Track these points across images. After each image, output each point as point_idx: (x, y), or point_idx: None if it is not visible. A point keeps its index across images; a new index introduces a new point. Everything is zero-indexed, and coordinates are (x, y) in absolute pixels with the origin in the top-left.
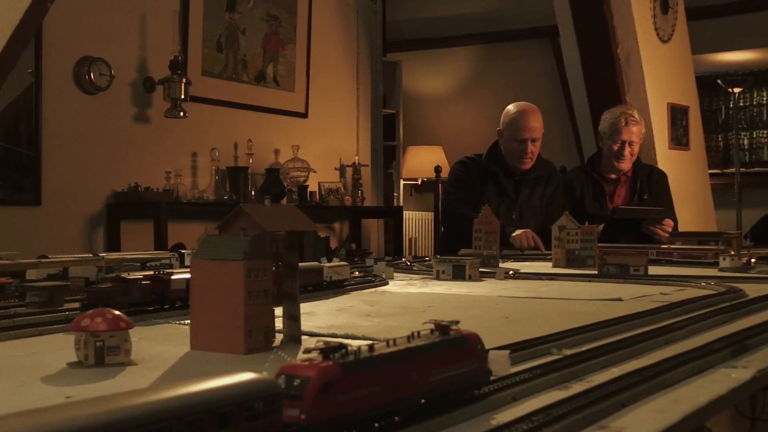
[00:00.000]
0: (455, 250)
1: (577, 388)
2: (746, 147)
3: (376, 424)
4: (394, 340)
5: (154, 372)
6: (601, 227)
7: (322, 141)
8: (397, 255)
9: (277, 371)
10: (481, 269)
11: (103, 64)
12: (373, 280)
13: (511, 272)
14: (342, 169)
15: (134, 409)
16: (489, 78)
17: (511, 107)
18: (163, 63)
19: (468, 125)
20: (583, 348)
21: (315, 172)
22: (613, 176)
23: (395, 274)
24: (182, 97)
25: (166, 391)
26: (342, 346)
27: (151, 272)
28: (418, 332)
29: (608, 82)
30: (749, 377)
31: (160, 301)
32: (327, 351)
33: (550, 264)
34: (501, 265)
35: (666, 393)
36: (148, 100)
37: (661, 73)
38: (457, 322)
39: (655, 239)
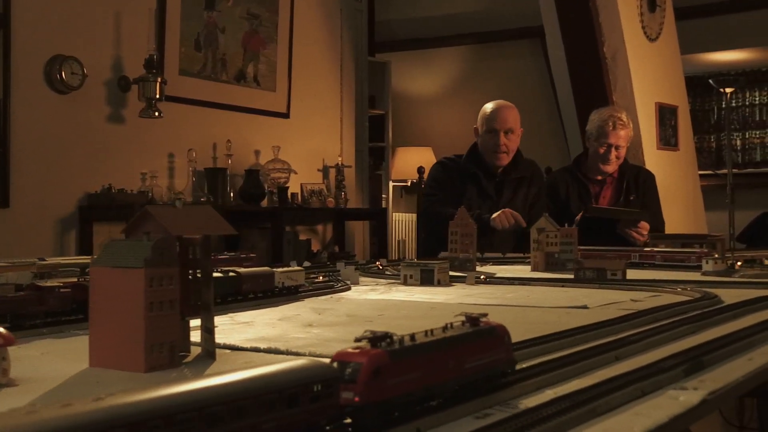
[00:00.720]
0: (437, 252)
1: (498, 415)
2: (739, 148)
3: (418, 408)
4: (432, 330)
5: (29, 396)
6: (574, 228)
7: (305, 142)
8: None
9: (332, 358)
10: (457, 273)
11: (75, 63)
12: (334, 286)
13: (482, 277)
14: (325, 171)
15: (221, 388)
16: (479, 78)
17: (486, 104)
18: (138, 62)
19: (458, 126)
20: (523, 365)
21: (296, 173)
22: (599, 177)
23: (363, 279)
24: (157, 96)
25: (246, 373)
26: (387, 335)
27: (74, 279)
28: (451, 324)
29: (594, 81)
30: (698, 401)
31: (83, 310)
32: (374, 340)
33: (529, 267)
34: (480, 268)
35: (596, 422)
36: (123, 100)
37: (648, 72)
38: (485, 315)
39: (630, 242)
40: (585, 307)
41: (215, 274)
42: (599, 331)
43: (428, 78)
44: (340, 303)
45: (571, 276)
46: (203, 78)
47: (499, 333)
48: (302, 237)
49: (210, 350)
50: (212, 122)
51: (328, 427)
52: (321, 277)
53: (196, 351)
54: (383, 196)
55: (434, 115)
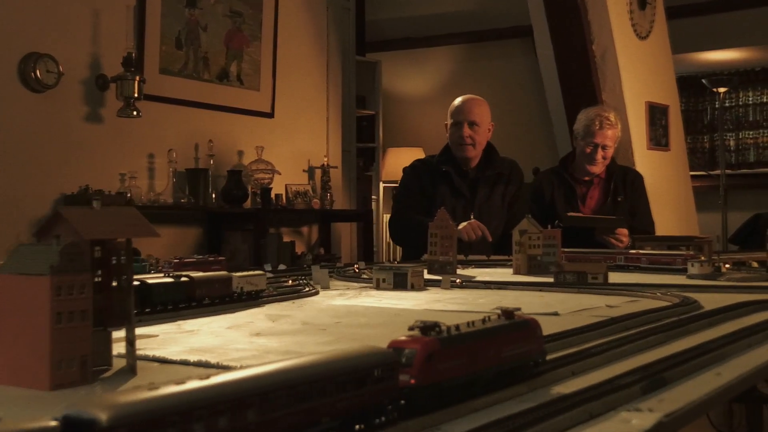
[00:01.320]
0: (417, 256)
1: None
2: (732, 148)
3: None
4: (473, 322)
5: None
6: (557, 230)
7: (290, 142)
8: (367, 261)
9: (388, 345)
10: (436, 276)
11: (50, 61)
12: (300, 290)
13: (458, 281)
14: (311, 171)
15: (307, 369)
16: (471, 78)
17: (456, 99)
18: (117, 60)
19: None
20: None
21: (280, 174)
22: (586, 178)
23: (336, 283)
24: (136, 95)
25: (325, 357)
26: (436, 324)
27: None
28: (489, 317)
29: (583, 79)
30: (651, 425)
31: None
32: (425, 329)
33: (511, 271)
34: (462, 271)
35: None
36: (101, 99)
37: (638, 71)
38: (518, 309)
39: (610, 248)
40: (556, 314)
41: (165, 279)
42: (562, 341)
43: (419, 78)
44: (301, 309)
45: (552, 280)
46: (184, 77)
47: (532, 326)
48: (287, 239)
49: (131, 363)
50: (194, 122)
51: (389, 407)
52: (290, 281)
53: (121, 363)
54: (373, 197)
55: (425, 115)
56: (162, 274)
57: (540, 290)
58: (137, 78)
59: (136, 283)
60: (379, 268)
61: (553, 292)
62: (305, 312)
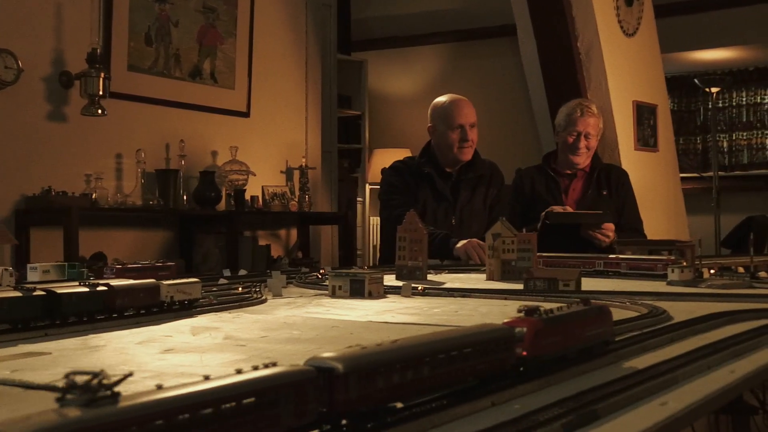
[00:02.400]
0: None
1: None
2: (725, 150)
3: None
4: (561, 307)
5: None
6: (533, 234)
7: (267, 142)
8: (346, 265)
9: (503, 323)
10: (403, 283)
11: (9, 56)
12: (247, 299)
13: (420, 288)
14: (289, 173)
15: (453, 339)
16: (459, 77)
17: (439, 99)
18: (82, 56)
19: None
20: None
21: (254, 175)
22: (569, 171)
23: (292, 290)
24: (101, 93)
25: (466, 330)
26: (537, 308)
27: None
28: (569, 304)
29: (568, 77)
30: None
31: None
32: (528, 311)
33: (484, 276)
34: (433, 277)
35: None
36: (65, 97)
37: (625, 69)
38: (591, 297)
39: (595, 244)
40: None
41: (79, 288)
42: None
43: (406, 77)
44: (234, 321)
45: (520, 287)
46: (154, 74)
47: (606, 311)
48: (263, 242)
49: None
50: (164, 121)
51: (510, 372)
52: (240, 289)
53: None
54: (359, 199)
55: (413, 115)
56: (77, 283)
57: (505, 298)
58: (102, 75)
59: (41, 292)
60: (335, 274)
61: (519, 300)
62: (236, 324)
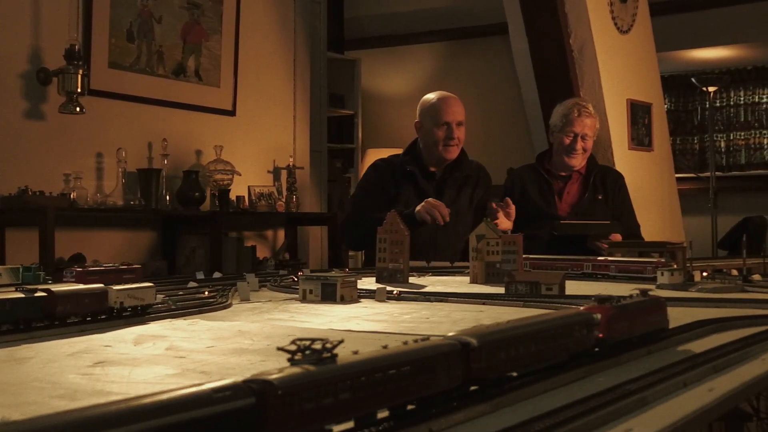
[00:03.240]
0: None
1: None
2: (723, 150)
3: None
4: (625, 296)
5: None
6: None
7: (253, 141)
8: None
9: (583, 309)
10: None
11: None
12: (209, 304)
13: (395, 292)
14: (276, 173)
15: (550, 321)
16: (453, 76)
17: (428, 96)
18: (61, 53)
19: None
20: None
21: (240, 174)
22: (563, 173)
23: (264, 294)
24: (79, 90)
25: (558, 314)
26: (611, 297)
27: None
28: (631, 295)
29: (560, 75)
30: None
31: None
32: (600, 300)
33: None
34: (416, 279)
35: None
36: (43, 94)
37: (619, 67)
38: (650, 289)
39: (601, 254)
40: None
41: (13, 294)
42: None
43: (400, 76)
44: (187, 329)
45: (503, 291)
46: (136, 71)
47: (662, 302)
48: (249, 244)
49: None
50: (147, 119)
51: (596, 349)
52: (206, 293)
53: None
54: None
55: (407, 115)
56: (14, 288)
57: (483, 303)
58: (80, 72)
59: None
60: (305, 277)
61: (497, 305)
62: (187, 333)
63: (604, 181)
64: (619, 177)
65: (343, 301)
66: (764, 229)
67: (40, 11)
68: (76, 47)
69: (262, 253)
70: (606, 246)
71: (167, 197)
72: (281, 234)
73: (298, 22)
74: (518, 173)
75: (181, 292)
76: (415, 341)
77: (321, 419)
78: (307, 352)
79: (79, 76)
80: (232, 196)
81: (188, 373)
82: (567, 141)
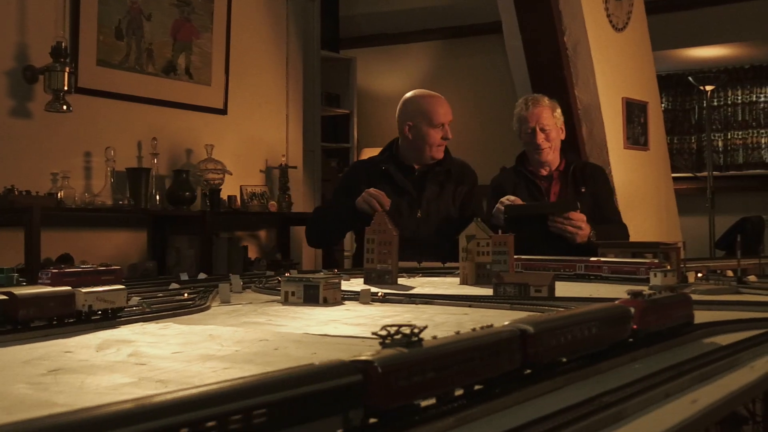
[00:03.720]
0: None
1: None
2: (720, 149)
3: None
4: (656, 292)
5: None
6: (510, 236)
7: (245, 140)
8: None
9: (618, 302)
10: (373, 287)
11: None
12: (186, 306)
13: (379, 294)
14: (268, 172)
15: (592, 313)
16: (449, 75)
17: (412, 96)
18: (48, 50)
19: None
20: None
21: (231, 174)
22: (544, 173)
23: (244, 296)
24: (65, 88)
25: (600, 306)
26: (641, 292)
27: None
28: (660, 291)
29: (554, 73)
30: None
31: None
32: (634, 294)
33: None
34: (405, 281)
35: None
36: (29, 92)
37: (614, 65)
38: (641, 291)
39: (567, 238)
40: None
41: None
42: None
43: (396, 75)
44: (157, 333)
45: (491, 293)
46: (125, 69)
47: (688, 298)
48: (242, 244)
49: None
50: (136, 118)
51: (631, 340)
52: (186, 295)
53: None
54: None
55: None
56: None
57: (470, 306)
58: (67, 69)
59: None
60: (287, 279)
61: (484, 308)
62: (155, 338)
63: (583, 172)
64: (598, 168)
65: (326, 303)
66: (762, 229)
67: (27, 8)
68: (63, 44)
69: (254, 253)
70: (578, 232)
71: (157, 197)
72: (274, 234)
73: (291, 19)
74: (503, 177)
75: (161, 294)
76: (482, 328)
77: (411, 395)
78: (397, 336)
79: (66, 74)
80: (224, 195)
81: (144, 383)
82: (528, 139)
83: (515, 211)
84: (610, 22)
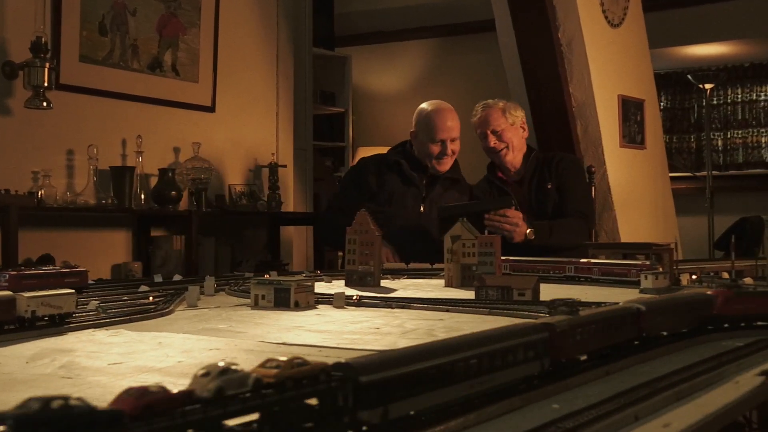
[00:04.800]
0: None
1: None
2: (720, 148)
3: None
4: (740, 282)
5: None
6: (496, 236)
7: (234, 139)
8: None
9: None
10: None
11: None
12: (147, 311)
13: (354, 297)
14: (257, 171)
15: (689, 296)
16: (445, 73)
17: (424, 106)
18: (28, 46)
19: None
20: None
21: (218, 172)
22: (516, 176)
23: (215, 299)
24: (46, 84)
25: (692, 293)
26: (735, 282)
27: None
28: (709, 285)
29: (548, 70)
30: None
31: None
32: (728, 285)
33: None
34: (388, 283)
35: None
36: (9, 89)
37: (610, 62)
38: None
39: (506, 238)
40: None
41: None
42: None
43: (392, 73)
44: (105, 341)
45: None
46: (109, 66)
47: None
48: (230, 244)
49: None
50: (120, 115)
51: (708, 327)
52: (151, 298)
53: None
54: None
55: (398, 112)
56: None
57: (447, 310)
58: (47, 65)
59: None
60: (257, 282)
61: (462, 312)
62: (98, 347)
63: (550, 168)
64: (570, 161)
65: (298, 307)
66: (762, 229)
67: (6, 1)
68: (43, 39)
69: (242, 254)
70: (513, 229)
71: (142, 196)
72: (263, 234)
73: (282, 15)
74: (478, 188)
75: (126, 297)
76: (609, 304)
77: (575, 351)
78: (561, 306)
79: (47, 70)
80: (212, 194)
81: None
82: (483, 144)
83: (448, 211)
84: (606, 18)
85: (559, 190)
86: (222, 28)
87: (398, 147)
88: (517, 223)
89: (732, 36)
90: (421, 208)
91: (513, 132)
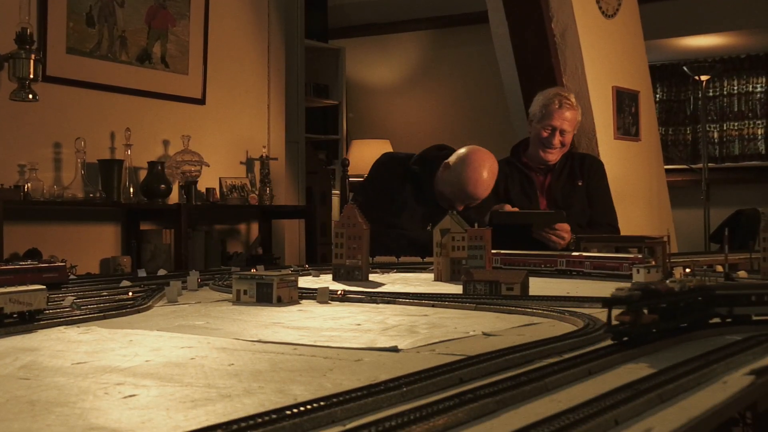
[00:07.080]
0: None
1: None
2: (716, 140)
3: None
4: None
5: None
6: (486, 229)
7: (224, 131)
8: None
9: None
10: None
11: None
12: (123, 307)
13: (339, 292)
14: (249, 164)
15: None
16: (440, 65)
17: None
18: (13, 37)
19: (418, 117)
20: None
21: (208, 165)
22: (542, 166)
23: (197, 294)
24: (31, 76)
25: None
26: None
27: None
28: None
29: (541, 61)
30: None
31: None
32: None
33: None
34: (377, 277)
35: None
36: None
37: (604, 53)
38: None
39: (550, 246)
40: (395, 349)
41: None
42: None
43: (385, 66)
44: (68, 340)
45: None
46: (97, 58)
47: None
48: (221, 238)
49: None
50: (108, 108)
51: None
52: (131, 294)
53: None
54: (335, 192)
55: (393, 105)
56: None
57: (432, 305)
58: (33, 57)
59: None
60: (239, 276)
61: (447, 307)
62: (64, 345)
63: (582, 166)
64: (597, 162)
65: (281, 302)
66: (758, 222)
67: None
68: (29, 31)
69: (233, 247)
70: (561, 242)
71: (131, 189)
72: (255, 228)
73: (273, 7)
74: (501, 173)
75: (105, 293)
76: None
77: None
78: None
79: (32, 62)
80: (202, 188)
81: (9, 404)
82: (545, 134)
83: (500, 218)
84: (600, 8)
85: (587, 190)
86: (212, 19)
87: (420, 158)
88: (563, 236)
89: (728, 27)
90: (429, 226)
91: (572, 135)
